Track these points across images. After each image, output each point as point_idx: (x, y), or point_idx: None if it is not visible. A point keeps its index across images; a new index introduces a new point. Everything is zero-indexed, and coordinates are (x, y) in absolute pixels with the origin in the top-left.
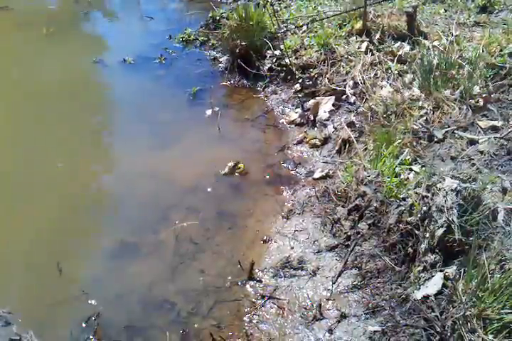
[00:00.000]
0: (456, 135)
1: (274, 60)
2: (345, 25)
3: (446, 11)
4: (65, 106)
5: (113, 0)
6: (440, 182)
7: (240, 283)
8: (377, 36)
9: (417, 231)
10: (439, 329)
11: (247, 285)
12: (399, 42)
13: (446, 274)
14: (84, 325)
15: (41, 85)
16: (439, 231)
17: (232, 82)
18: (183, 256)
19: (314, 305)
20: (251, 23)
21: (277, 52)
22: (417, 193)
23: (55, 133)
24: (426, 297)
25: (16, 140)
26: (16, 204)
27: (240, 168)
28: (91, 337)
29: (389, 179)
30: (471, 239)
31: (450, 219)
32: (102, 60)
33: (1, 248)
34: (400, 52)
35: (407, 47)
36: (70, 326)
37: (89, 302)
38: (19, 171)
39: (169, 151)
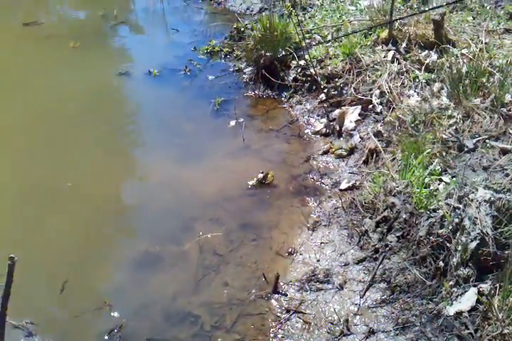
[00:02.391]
0: (488, 144)
1: (298, 70)
2: (371, 34)
3: (474, 18)
4: (90, 117)
5: (139, 13)
6: (473, 192)
7: (264, 297)
8: (404, 45)
9: (448, 244)
10: None
11: (272, 299)
12: (426, 51)
13: (481, 289)
14: (106, 337)
15: (66, 96)
16: (472, 244)
17: (256, 92)
18: (206, 268)
19: (341, 320)
20: (275, 33)
21: (302, 62)
22: (448, 204)
23: (79, 144)
24: (459, 313)
25: (39, 149)
26: (38, 215)
27: (269, 177)
28: None
29: (418, 190)
30: (506, 252)
31: (484, 231)
32: (127, 72)
33: (25, 257)
34: (427, 61)
35: (434, 56)
36: (93, 338)
37: (112, 314)
38: (40, 182)
39: (193, 162)
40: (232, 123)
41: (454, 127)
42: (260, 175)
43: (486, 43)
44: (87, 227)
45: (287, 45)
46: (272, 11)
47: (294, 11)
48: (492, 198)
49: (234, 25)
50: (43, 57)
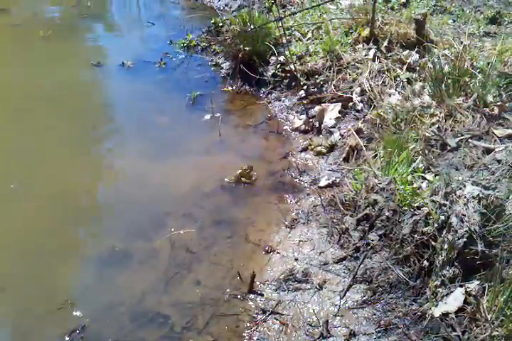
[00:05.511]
0: (471, 144)
1: (278, 66)
2: (352, 32)
3: (454, 21)
4: (58, 109)
5: (114, 5)
6: (460, 188)
7: (239, 296)
8: (385, 44)
9: (433, 243)
10: None
11: (247, 299)
12: (407, 51)
13: (468, 289)
14: (67, 338)
15: (33, 88)
16: (460, 242)
17: (234, 87)
18: (178, 265)
19: (320, 322)
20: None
21: (281, 58)
22: (433, 201)
23: (49, 137)
24: (445, 314)
25: (8, 142)
26: (2, 211)
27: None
28: None
29: (402, 187)
30: (494, 251)
31: (472, 228)
32: (99, 63)
33: None
34: (408, 60)
35: (416, 56)
36: (52, 339)
37: (74, 313)
38: (7, 177)
39: (166, 156)
40: (207, 117)
41: (437, 126)
42: (239, 170)
43: (467, 45)
44: (50, 224)
45: (267, 40)
46: (251, 8)
47: (274, 4)
48: (481, 195)
49: (212, 20)
50: (10, 46)
